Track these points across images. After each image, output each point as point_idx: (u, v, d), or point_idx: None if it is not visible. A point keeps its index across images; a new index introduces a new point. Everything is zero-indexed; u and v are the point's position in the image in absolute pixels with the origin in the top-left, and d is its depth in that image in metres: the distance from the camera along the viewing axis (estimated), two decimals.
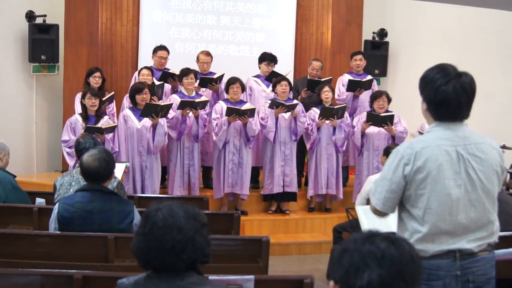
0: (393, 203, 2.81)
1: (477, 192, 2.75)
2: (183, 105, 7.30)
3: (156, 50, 8.21)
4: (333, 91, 7.91)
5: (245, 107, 7.41)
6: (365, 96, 8.21)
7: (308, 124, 7.77)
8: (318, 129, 7.76)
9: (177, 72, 7.96)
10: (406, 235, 2.79)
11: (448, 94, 2.72)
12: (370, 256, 1.62)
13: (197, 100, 7.44)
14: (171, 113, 7.34)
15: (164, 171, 7.77)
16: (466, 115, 2.81)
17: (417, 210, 2.75)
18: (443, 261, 2.73)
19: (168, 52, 8.23)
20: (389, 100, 7.70)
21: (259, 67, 8.27)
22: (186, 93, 7.63)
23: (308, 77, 8.37)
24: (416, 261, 1.66)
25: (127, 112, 7.28)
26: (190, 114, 7.41)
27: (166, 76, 7.99)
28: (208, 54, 8.20)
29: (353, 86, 8.15)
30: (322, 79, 8.14)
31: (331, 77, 8.37)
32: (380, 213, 2.88)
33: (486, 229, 2.79)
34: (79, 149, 4.76)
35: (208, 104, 7.69)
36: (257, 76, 8.29)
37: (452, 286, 2.74)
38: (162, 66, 8.19)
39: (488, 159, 2.78)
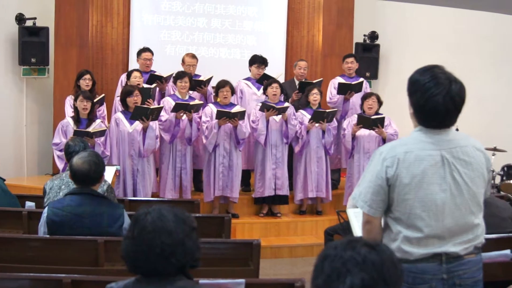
0: (379, 205, 2.74)
1: (463, 196, 2.71)
2: (177, 108, 7.28)
3: (140, 52, 8.18)
4: (321, 93, 7.89)
5: (235, 110, 7.40)
6: (357, 99, 8.20)
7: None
8: (307, 132, 7.75)
9: (164, 75, 7.94)
10: (391, 238, 2.76)
11: (438, 105, 2.65)
12: (351, 261, 1.63)
13: (191, 103, 7.42)
14: (165, 116, 7.31)
15: (157, 173, 7.75)
16: (453, 123, 2.75)
17: (401, 214, 2.71)
18: (429, 265, 2.70)
19: (152, 54, 8.20)
20: (380, 103, 7.70)
21: (250, 70, 8.25)
22: (180, 96, 7.61)
23: (295, 79, 8.39)
24: (397, 265, 1.68)
25: (118, 115, 7.25)
26: (184, 117, 7.39)
27: (154, 79, 7.95)
28: (193, 56, 8.16)
29: (343, 89, 8.14)
30: (314, 82, 8.14)
31: (321, 79, 8.37)
32: (370, 219, 2.77)
33: (472, 232, 2.75)
34: (69, 152, 4.74)
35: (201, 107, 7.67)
36: (248, 79, 8.27)
37: None
38: (148, 68, 8.15)
39: (473, 162, 2.74)
